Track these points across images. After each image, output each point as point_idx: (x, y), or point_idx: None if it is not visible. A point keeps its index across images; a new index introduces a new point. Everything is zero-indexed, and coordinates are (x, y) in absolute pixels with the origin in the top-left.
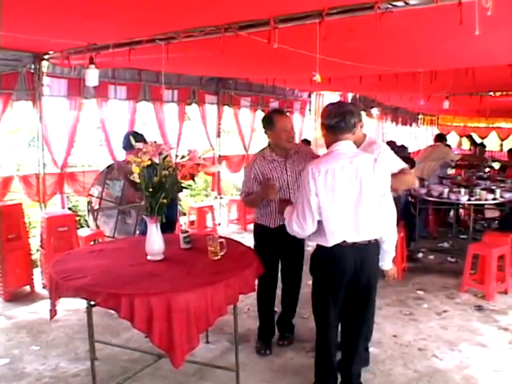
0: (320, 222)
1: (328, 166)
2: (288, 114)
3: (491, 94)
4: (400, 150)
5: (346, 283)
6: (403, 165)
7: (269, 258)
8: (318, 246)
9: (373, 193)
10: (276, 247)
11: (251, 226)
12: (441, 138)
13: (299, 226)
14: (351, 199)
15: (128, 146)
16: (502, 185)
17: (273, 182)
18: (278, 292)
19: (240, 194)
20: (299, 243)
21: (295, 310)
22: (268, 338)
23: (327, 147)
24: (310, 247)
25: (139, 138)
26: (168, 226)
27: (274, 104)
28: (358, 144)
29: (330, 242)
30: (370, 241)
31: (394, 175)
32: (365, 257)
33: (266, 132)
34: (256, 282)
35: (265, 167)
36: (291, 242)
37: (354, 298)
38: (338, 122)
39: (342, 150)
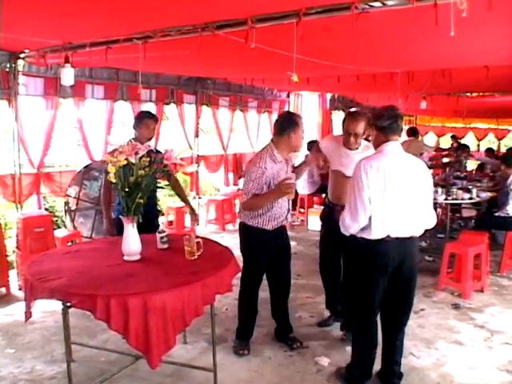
0: None
1: (379, 162)
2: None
3: (468, 94)
4: None
5: (389, 276)
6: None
7: (259, 259)
8: (362, 239)
9: (419, 192)
10: (270, 248)
11: (230, 226)
12: (413, 132)
13: (352, 218)
14: (399, 196)
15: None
16: (479, 184)
17: (291, 180)
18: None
19: (245, 195)
20: (289, 246)
21: (288, 310)
22: (246, 338)
23: (376, 147)
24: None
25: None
26: (148, 223)
27: (253, 104)
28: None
29: (374, 235)
30: (412, 236)
31: None
32: (407, 251)
33: (282, 132)
34: (233, 281)
35: (273, 168)
36: (284, 244)
37: (395, 289)
38: (390, 124)
39: (391, 149)
